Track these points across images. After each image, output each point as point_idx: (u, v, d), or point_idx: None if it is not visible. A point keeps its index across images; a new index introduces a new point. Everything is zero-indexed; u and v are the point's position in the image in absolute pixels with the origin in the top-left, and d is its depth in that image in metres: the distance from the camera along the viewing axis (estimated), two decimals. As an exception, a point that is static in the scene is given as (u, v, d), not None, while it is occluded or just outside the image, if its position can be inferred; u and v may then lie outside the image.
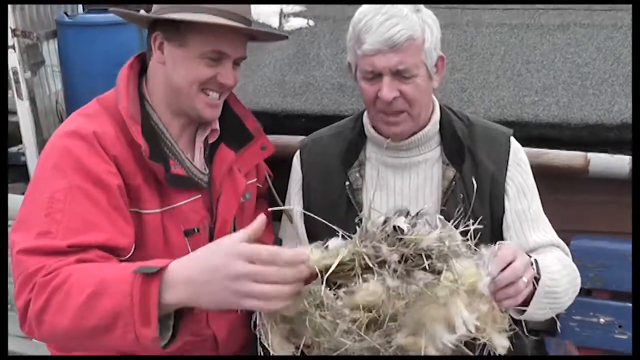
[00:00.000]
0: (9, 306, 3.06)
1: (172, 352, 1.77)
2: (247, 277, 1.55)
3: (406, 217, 1.74)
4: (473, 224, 1.75)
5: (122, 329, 1.67)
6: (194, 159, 2.26)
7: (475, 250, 1.73)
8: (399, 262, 1.64)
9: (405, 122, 2.25)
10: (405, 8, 2.15)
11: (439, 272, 1.63)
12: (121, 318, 1.66)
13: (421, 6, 2.22)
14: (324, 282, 1.61)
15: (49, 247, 1.84)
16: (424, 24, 2.17)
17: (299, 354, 1.71)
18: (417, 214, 1.77)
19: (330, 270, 1.61)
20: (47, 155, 2.02)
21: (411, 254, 1.64)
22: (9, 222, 3.04)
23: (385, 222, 1.69)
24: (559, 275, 2.08)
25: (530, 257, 1.93)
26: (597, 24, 3.64)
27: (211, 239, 2.21)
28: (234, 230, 2.27)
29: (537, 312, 1.96)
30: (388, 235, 1.66)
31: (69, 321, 1.73)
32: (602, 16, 3.69)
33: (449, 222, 2.18)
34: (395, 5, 2.15)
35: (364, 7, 2.20)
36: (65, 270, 1.79)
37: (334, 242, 1.70)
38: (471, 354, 1.71)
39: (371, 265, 1.63)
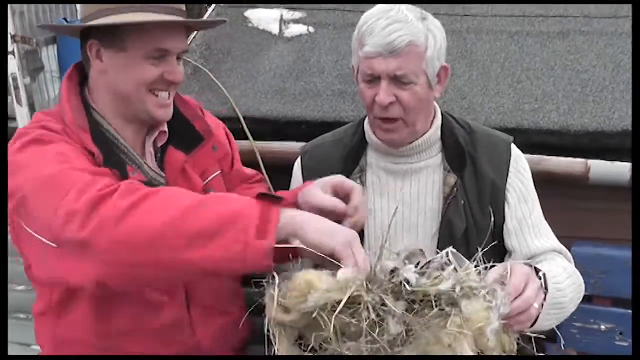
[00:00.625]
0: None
1: (172, 353, 1.78)
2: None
3: (417, 265, 1.72)
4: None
5: (234, 235, 1.64)
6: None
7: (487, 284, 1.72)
8: (406, 310, 1.63)
9: (401, 129, 2.25)
10: (411, 14, 2.14)
11: (448, 315, 1.62)
12: (237, 223, 1.65)
13: (428, 14, 2.22)
14: (333, 326, 1.61)
15: (97, 170, 1.85)
16: (429, 32, 2.16)
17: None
18: (428, 262, 1.76)
19: (340, 308, 1.60)
20: (23, 149, 1.95)
21: (420, 300, 1.64)
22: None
23: (393, 271, 1.67)
24: (565, 286, 2.08)
25: (538, 270, 1.94)
26: (597, 31, 3.65)
27: None
28: None
29: (545, 323, 1.96)
30: (396, 285, 1.66)
31: (164, 222, 1.67)
32: (602, 24, 3.70)
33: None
34: (402, 10, 2.15)
35: (372, 10, 2.20)
36: (152, 188, 1.79)
37: (343, 274, 1.69)
38: None
39: (374, 318, 1.62)
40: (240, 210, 1.67)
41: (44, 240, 1.81)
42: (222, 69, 3.58)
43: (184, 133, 2.26)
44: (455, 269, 1.72)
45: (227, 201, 1.73)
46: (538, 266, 2.00)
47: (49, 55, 6.01)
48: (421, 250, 1.83)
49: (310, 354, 1.70)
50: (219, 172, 2.37)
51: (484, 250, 2.20)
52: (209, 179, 2.30)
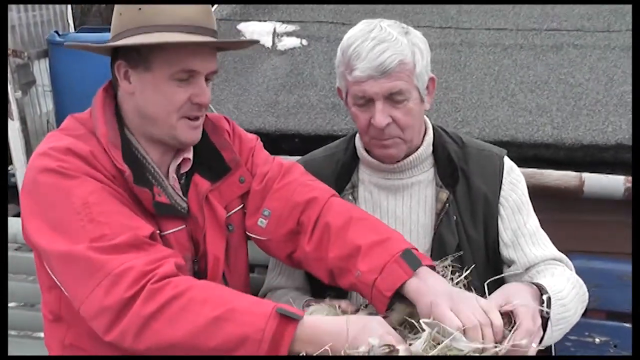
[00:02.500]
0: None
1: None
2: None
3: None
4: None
5: (246, 352, 1.72)
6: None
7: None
8: None
9: (398, 145, 2.23)
10: (394, 31, 2.12)
11: None
12: (249, 345, 1.71)
13: (411, 29, 2.20)
14: None
15: (118, 244, 1.83)
16: (414, 46, 2.14)
17: None
18: None
19: None
20: (46, 174, 1.91)
21: None
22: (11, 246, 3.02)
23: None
24: (569, 299, 2.06)
25: (542, 291, 1.92)
26: (590, 44, 3.66)
27: (198, 274, 2.13)
28: (227, 264, 2.24)
29: (549, 340, 1.96)
30: None
31: (183, 336, 1.75)
32: (595, 37, 3.71)
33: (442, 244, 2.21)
34: (383, 28, 2.13)
35: (353, 32, 2.17)
36: (178, 281, 1.81)
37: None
38: None
39: None
40: (253, 332, 1.72)
41: (67, 295, 1.91)
42: (215, 82, 3.56)
43: (211, 162, 2.22)
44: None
45: (244, 315, 1.75)
46: (543, 284, 1.97)
47: (41, 69, 6.01)
48: None
49: None
50: (241, 206, 2.29)
51: (477, 265, 2.21)
52: (230, 213, 2.25)
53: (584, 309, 2.20)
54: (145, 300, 1.76)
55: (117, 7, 2.03)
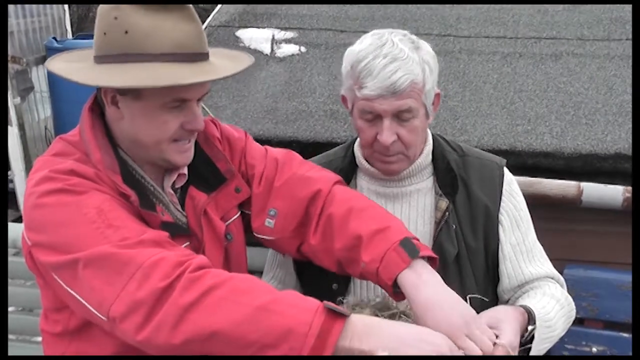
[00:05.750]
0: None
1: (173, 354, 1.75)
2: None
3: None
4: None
5: (288, 349, 1.64)
6: None
7: None
8: None
9: (401, 161, 2.23)
10: (405, 47, 2.09)
11: None
12: (293, 339, 1.63)
13: (421, 42, 2.18)
14: None
15: (142, 240, 1.77)
16: (424, 64, 2.12)
17: None
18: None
19: None
20: (49, 195, 1.85)
21: None
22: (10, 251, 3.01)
23: None
24: (555, 320, 2.11)
25: (531, 320, 1.99)
26: (589, 53, 3.66)
27: None
28: None
29: (534, 353, 2.00)
30: None
31: (227, 323, 1.66)
32: (595, 46, 3.71)
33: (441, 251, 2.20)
34: (395, 44, 2.10)
35: (364, 46, 2.14)
36: (217, 271, 1.76)
37: None
38: None
39: None
40: (298, 325, 1.64)
41: (90, 308, 1.79)
42: (213, 88, 3.57)
43: (206, 173, 2.17)
44: None
45: (289, 307, 1.69)
46: (532, 307, 2.03)
47: (39, 75, 6.02)
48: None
49: None
50: (239, 214, 2.26)
51: (476, 274, 2.21)
52: (229, 222, 2.21)
53: (570, 324, 2.24)
54: (184, 289, 1.68)
55: (99, 22, 1.93)
